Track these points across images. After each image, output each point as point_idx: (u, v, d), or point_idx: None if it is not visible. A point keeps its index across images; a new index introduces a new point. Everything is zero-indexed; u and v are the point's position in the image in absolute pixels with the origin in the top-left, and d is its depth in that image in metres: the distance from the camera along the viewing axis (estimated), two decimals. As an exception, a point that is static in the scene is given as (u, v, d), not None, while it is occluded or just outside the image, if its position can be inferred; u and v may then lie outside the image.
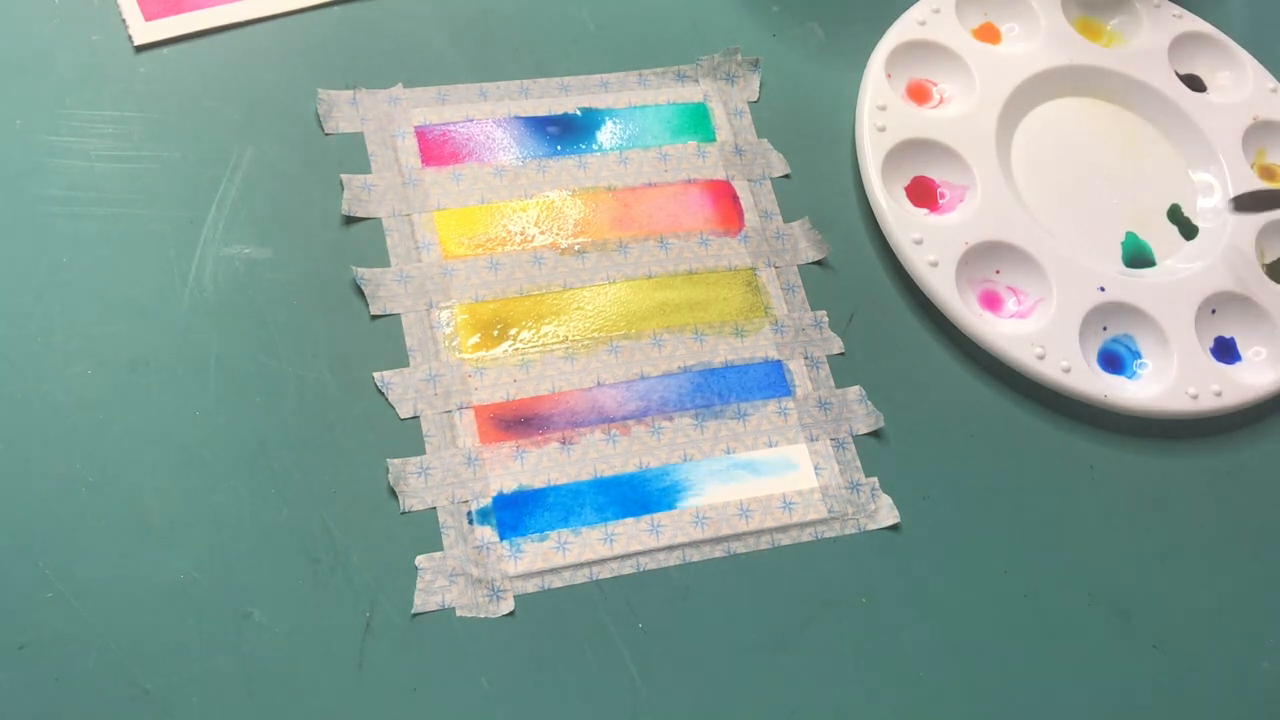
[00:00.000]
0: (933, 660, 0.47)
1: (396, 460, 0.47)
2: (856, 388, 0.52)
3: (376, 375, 0.49)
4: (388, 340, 0.50)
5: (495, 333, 0.51)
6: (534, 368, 0.50)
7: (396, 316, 0.50)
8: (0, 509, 0.44)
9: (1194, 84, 0.65)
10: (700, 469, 0.49)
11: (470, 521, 0.47)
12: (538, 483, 0.48)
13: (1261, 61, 0.66)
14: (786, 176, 0.57)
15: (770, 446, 0.50)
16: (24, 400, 0.46)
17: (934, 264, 0.55)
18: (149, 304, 0.48)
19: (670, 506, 0.48)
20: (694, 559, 0.48)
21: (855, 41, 0.62)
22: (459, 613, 0.45)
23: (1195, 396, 0.54)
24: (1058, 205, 0.59)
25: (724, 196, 0.56)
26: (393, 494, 0.47)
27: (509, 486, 0.48)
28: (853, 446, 0.51)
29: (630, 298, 0.53)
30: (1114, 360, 0.56)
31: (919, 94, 0.61)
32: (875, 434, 0.52)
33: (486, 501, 0.47)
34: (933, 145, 0.59)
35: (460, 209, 0.53)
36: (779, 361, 0.52)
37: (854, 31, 0.63)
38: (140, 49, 0.54)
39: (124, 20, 0.54)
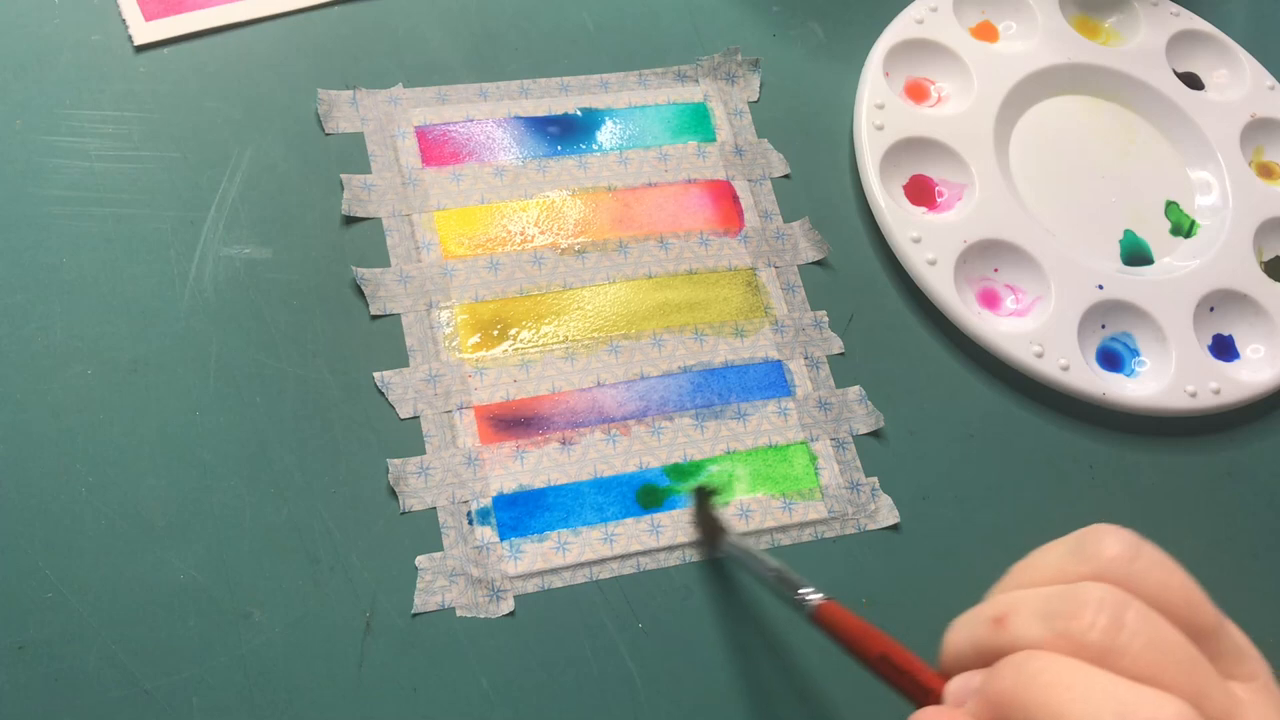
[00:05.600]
0: (932, 660, 0.47)
1: (396, 460, 0.47)
2: (856, 388, 0.52)
3: (376, 375, 0.49)
4: (388, 340, 0.50)
5: (495, 333, 0.51)
6: (534, 368, 0.50)
7: (396, 316, 0.50)
8: (0, 509, 0.44)
9: (1192, 82, 0.65)
10: (700, 469, 0.49)
11: (470, 521, 0.47)
12: (538, 483, 0.48)
13: (1259, 59, 0.66)
14: (786, 176, 0.57)
15: (770, 447, 0.50)
16: (24, 400, 0.46)
17: (932, 262, 0.55)
18: (149, 304, 0.48)
19: (670, 506, 0.48)
20: (694, 559, 0.48)
21: (855, 41, 0.62)
22: (459, 613, 0.45)
23: (1194, 394, 0.54)
24: (1056, 203, 0.60)
25: (724, 196, 0.56)
26: (393, 494, 0.47)
27: (509, 486, 0.48)
28: (853, 446, 0.51)
29: (630, 298, 0.53)
30: (1112, 358, 0.56)
31: (917, 93, 0.62)
32: (875, 434, 0.52)
33: (486, 501, 0.47)
34: (931, 144, 0.59)
35: (460, 209, 0.53)
36: (779, 361, 0.52)
37: (854, 31, 0.63)
38: (140, 49, 0.54)
39: (124, 20, 0.54)
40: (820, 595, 0.39)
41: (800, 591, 0.39)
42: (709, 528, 0.47)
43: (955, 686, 0.30)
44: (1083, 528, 0.31)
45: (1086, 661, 0.27)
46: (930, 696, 0.31)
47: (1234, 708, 0.27)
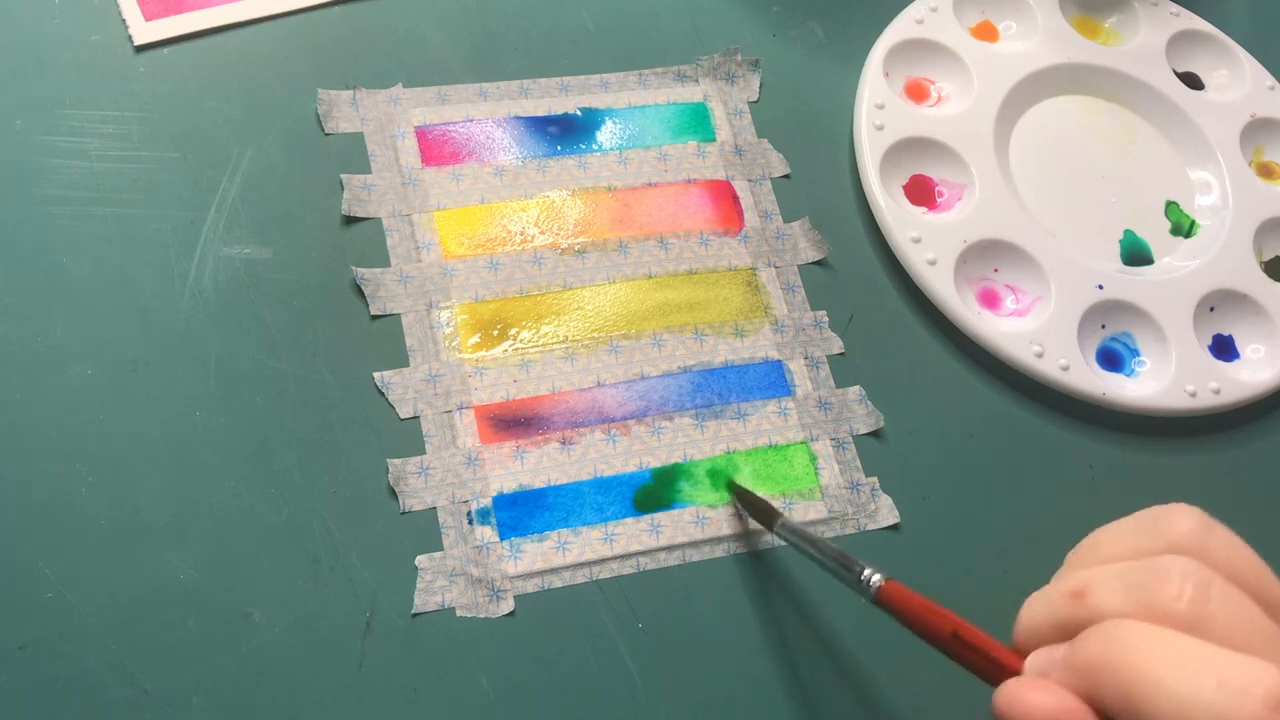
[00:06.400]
0: (933, 660, 0.47)
1: (396, 460, 0.47)
2: (856, 388, 0.52)
3: (376, 375, 0.49)
4: (388, 340, 0.50)
5: (495, 333, 0.51)
6: (534, 368, 0.50)
7: (396, 316, 0.50)
8: (0, 509, 0.44)
9: (1192, 82, 0.65)
10: (700, 469, 0.49)
11: (470, 521, 0.47)
12: (538, 483, 0.48)
13: (1259, 59, 0.66)
14: (786, 176, 0.57)
15: (770, 447, 0.50)
16: (24, 400, 0.46)
17: (932, 262, 0.55)
18: (149, 304, 0.48)
19: (669, 507, 0.48)
20: (694, 559, 0.48)
21: (855, 41, 0.62)
22: (459, 613, 0.45)
23: (1194, 394, 0.55)
24: (1056, 203, 0.60)
25: (724, 196, 0.56)
26: (393, 494, 0.47)
27: (509, 486, 0.48)
28: (853, 446, 0.51)
29: (630, 298, 0.53)
30: (1112, 358, 0.56)
31: (917, 93, 0.62)
32: (875, 434, 0.52)
33: (486, 501, 0.47)
34: (931, 144, 0.59)
35: (460, 209, 0.53)
36: (779, 361, 0.52)
37: (854, 31, 0.63)
38: (140, 49, 0.54)
39: (124, 20, 0.54)
40: (881, 576, 0.38)
41: (864, 574, 0.38)
42: (761, 515, 0.47)
43: (1037, 660, 0.30)
44: (1151, 507, 0.31)
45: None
46: (1007, 674, 0.31)
47: None
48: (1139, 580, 0.28)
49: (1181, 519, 0.30)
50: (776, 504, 0.49)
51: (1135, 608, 0.28)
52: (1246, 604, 0.28)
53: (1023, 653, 0.31)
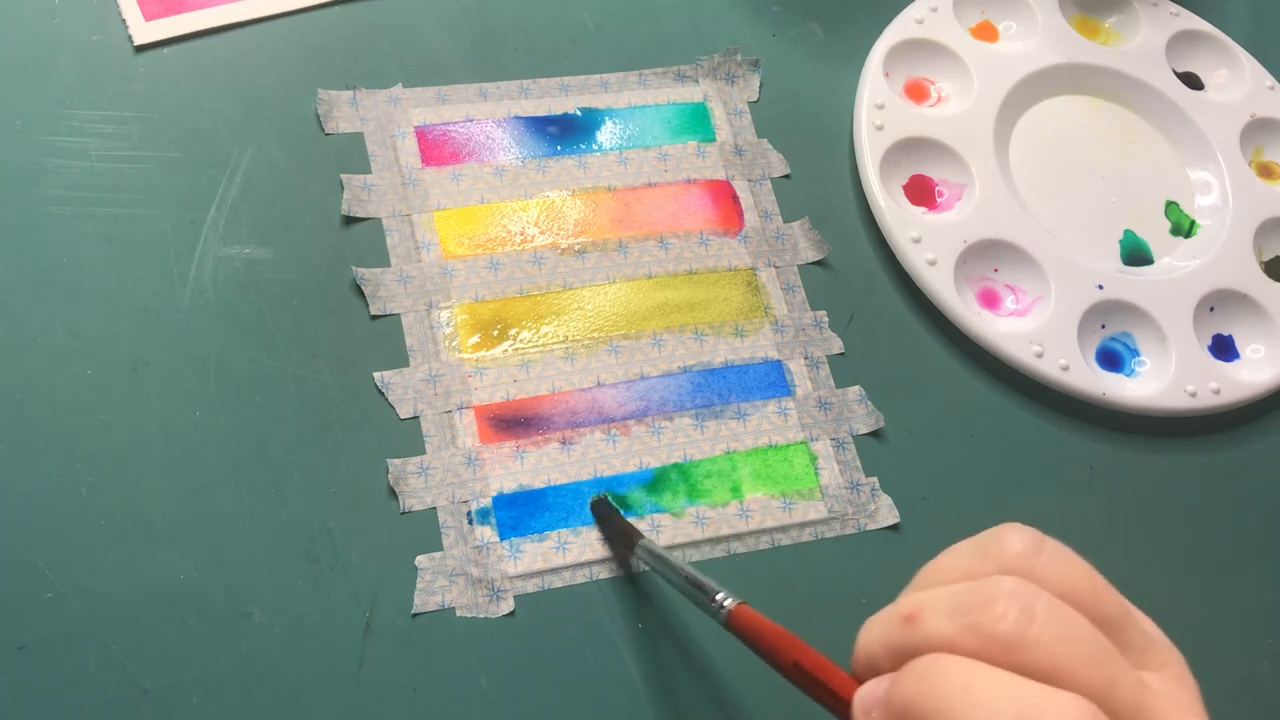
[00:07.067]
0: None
1: (396, 460, 0.47)
2: (856, 388, 0.52)
3: (376, 375, 0.49)
4: (388, 340, 0.50)
5: (495, 333, 0.51)
6: (534, 368, 0.50)
7: (396, 316, 0.50)
8: (0, 509, 0.44)
9: (1192, 82, 0.65)
10: (700, 469, 0.49)
11: (470, 521, 0.47)
12: (538, 483, 0.48)
13: (1259, 59, 0.66)
14: (786, 176, 0.57)
15: (770, 447, 0.50)
16: (24, 400, 0.46)
17: (932, 262, 0.55)
18: (149, 304, 0.48)
19: (670, 507, 0.48)
20: (694, 559, 0.48)
21: (855, 41, 0.62)
22: (459, 613, 0.45)
23: (1194, 394, 0.55)
24: (1056, 203, 0.60)
25: (724, 196, 0.56)
26: (393, 494, 0.47)
27: (509, 486, 0.48)
28: (853, 446, 0.51)
29: (630, 298, 0.53)
30: (1112, 358, 0.56)
31: (917, 93, 0.62)
32: (875, 434, 0.52)
33: (486, 501, 0.47)
34: (931, 144, 0.59)
35: (460, 209, 0.53)
36: (779, 361, 0.52)
37: (854, 31, 0.63)
38: (140, 49, 0.54)
39: (124, 20, 0.54)
40: (734, 600, 0.36)
41: (717, 597, 0.37)
42: (620, 536, 0.46)
43: (863, 695, 0.30)
44: (988, 529, 0.31)
45: (998, 655, 0.27)
46: (845, 706, 0.30)
47: (1145, 697, 0.27)
48: (966, 603, 0.28)
49: (1012, 539, 0.30)
50: (776, 503, 0.49)
51: (963, 631, 0.28)
52: (1075, 621, 0.27)
53: (861, 679, 0.30)
